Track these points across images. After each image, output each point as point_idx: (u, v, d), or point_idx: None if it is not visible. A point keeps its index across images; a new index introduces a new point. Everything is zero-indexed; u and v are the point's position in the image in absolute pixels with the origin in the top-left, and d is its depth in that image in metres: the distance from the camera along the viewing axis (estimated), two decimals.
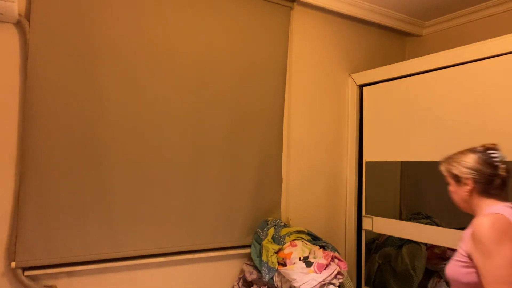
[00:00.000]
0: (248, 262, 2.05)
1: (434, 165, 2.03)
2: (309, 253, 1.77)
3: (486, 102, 1.81)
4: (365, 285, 2.39)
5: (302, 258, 1.73)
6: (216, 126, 1.99)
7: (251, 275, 1.98)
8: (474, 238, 1.13)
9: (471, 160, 1.27)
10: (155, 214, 1.82)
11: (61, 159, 1.62)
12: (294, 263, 1.71)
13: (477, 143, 1.83)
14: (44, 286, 1.61)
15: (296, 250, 1.77)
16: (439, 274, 1.99)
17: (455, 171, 1.30)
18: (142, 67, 1.80)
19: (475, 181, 1.24)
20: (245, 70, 2.08)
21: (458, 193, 1.30)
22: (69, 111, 1.64)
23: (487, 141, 1.79)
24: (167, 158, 1.86)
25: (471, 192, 1.26)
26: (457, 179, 1.29)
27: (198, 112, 1.94)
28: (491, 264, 1.07)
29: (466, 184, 1.26)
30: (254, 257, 1.98)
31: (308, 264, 1.70)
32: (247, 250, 2.07)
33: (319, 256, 1.73)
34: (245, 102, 2.08)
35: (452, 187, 1.32)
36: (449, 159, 1.35)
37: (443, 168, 1.36)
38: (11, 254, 1.55)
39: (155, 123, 1.83)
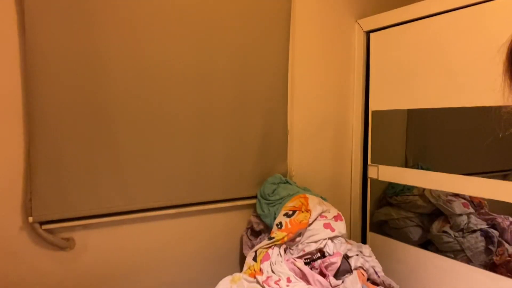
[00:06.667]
0: (255, 214, 2.11)
1: (441, 112, 2.01)
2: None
3: (497, 46, 1.75)
4: (370, 231, 2.47)
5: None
6: (220, 79, 1.96)
7: (259, 226, 2.05)
8: None
9: None
10: (165, 168, 1.85)
11: (68, 117, 1.63)
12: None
13: (486, 88, 1.79)
14: (62, 238, 1.68)
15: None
16: (445, 217, 2.04)
17: None
18: (147, 25, 1.74)
19: None
20: (248, 20, 2.01)
21: None
22: (73, 68, 1.62)
23: (496, 86, 1.76)
24: (174, 114, 1.85)
25: None
26: None
27: (203, 66, 1.91)
28: None
29: None
30: (259, 211, 2.04)
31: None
32: (255, 201, 2.12)
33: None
34: (249, 53, 2.03)
35: None
36: None
37: None
38: (27, 209, 1.61)
39: (160, 79, 1.81)
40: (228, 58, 1.97)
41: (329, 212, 1.93)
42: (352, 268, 1.74)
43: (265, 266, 1.71)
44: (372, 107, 2.41)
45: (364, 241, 2.53)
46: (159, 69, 1.80)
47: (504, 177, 1.76)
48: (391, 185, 2.34)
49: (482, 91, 1.82)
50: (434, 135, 2.08)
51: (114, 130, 1.72)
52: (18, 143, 1.59)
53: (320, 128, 2.39)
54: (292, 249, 1.82)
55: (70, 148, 1.64)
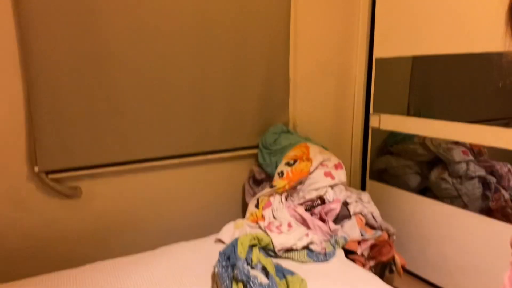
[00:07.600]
0: (257, 163, 2.13)
1: (445, 60, 1.96)
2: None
3: None
4: (370, 178, 2.51)
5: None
6: (222, 26, 1.90)
7: (261, 175, 2.09)
8: None
9: None
10: (165, 118, 1.85)
11: (67, 67, 1.60)
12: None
13: (492, 34, 1.73)
14: (69, 187, 1.72)
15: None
16: (444, 164, 2.06)
17: None
18: None
19: None
20: None
21: None
22: (72, 15, 1.56)
23: (502, 30, 1.69)
24: (175, 64, 1.81)
25: None
26: None
27: (204, 14, 1.84)
28: None
29: None
30: (261, 161, 2.06)
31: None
32: (256, 150, 2.14)
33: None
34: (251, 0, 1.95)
35: None
36: None
37: None
38: (32, 159, 1.63)
39: (161, 29, 1.75)
40: (229, 4, 1.89)
41: (330, 160, 1.95)
42: (351, 213, 1.79)
43: (267, 212, 1.77)
44: (377, 53, 2.35)
45: (364, 188, 2.58)
46: (160, 22, 1.73)
47: (506, 125, 1.76)
48: (392, 134, 2.35)
49: (489, 36, 1.76)
50: (438, 83, 2.05)
51: (113, 79, 1.70)
52: (17, 94, 1.58)
53: (323, 77, 2.35)
54: (293, 197, 1.87)
55: (70, 98, 1.63)
